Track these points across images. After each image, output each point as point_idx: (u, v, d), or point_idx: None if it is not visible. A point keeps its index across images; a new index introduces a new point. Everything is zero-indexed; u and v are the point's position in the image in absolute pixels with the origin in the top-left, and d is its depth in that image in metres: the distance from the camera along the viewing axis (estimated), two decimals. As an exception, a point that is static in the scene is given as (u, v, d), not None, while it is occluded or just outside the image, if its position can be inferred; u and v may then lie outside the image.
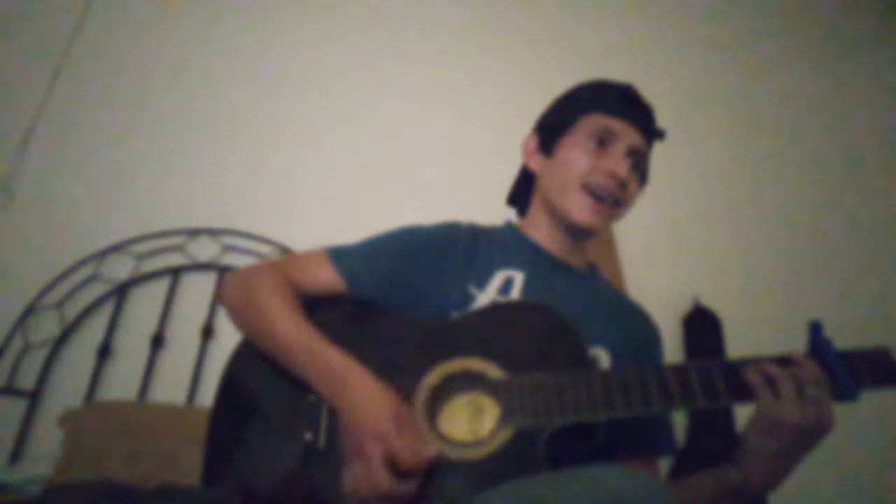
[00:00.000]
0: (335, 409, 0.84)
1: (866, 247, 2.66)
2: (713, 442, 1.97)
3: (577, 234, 1.06)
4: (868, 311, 2.44)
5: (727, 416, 2.04)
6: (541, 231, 1.08)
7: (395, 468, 0.74)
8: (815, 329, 0.80)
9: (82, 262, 1.90)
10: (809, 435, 0.76)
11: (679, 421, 2.09)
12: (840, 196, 2.77)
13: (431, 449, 0.77)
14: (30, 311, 1.81)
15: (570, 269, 1.07)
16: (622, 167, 1.00)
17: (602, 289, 1.11)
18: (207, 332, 1.89)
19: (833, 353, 0.77)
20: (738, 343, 2.24)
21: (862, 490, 2.16)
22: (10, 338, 1.78)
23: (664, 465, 1.82)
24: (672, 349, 2.23)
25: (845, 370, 0.76)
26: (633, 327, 1.06)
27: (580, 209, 1.01)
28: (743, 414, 0.83)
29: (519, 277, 0.99)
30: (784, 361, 0.78)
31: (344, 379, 0.83)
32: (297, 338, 0.89)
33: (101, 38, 2.23)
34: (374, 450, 0.75)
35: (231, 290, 1.01)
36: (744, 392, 0.77)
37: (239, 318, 0.98)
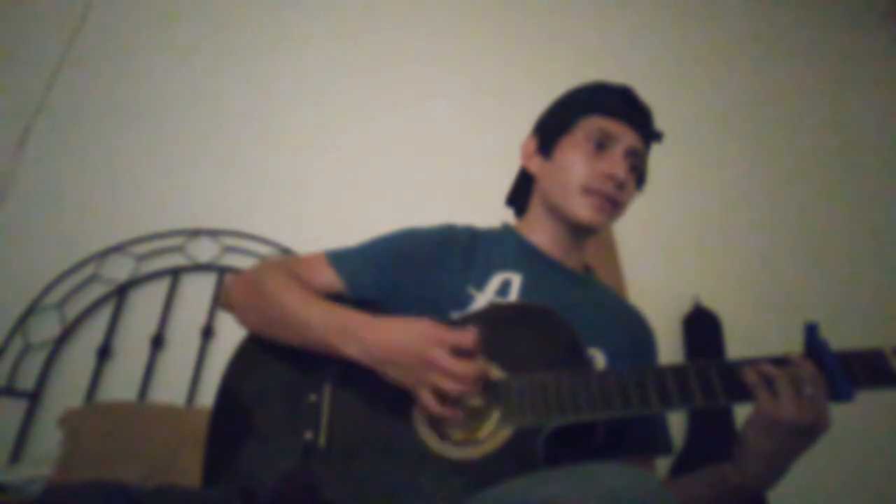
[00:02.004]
0: (370, 359, 0.83)
1: (866, 247, 2.66)
2: (713, 441, 1.97)
3: (578, 233, 1.07)
4: (867, 311, 2.44)
5: (727, 416, 2.04)
6: (539, 232, 1.09)
7: (458, 355, 0.78)
8: (811, 330, 0.80)
9: (82, 263, 1.90)
10: (806, 434, 0.77)
11: (679, 421, 2.10)
12: (840, 196, 2.77)
13: (471, 328, 0.79)
14: (30, 311, 1.82)
15: (567, 271, 1.07)
16: (620, 169, 1.01)
17: (598, 290, 1.11)
18: (207, 332, 1.89)
19: (829, 354, 0.78)
20: (738, 343, 2.25)
21: (862, 489, 2.16)
22: (10, 338, 1.78)
23: (663, 464, 1.82)
24: (672, 349, 2.23)
25: (841, 371, 0.76)
26: (629, 328, 1.07)
27: (583, 208, 1.02)
28: (742, 414, 0.83)
29: (517, 279, 1.00)
30: (781, 362, 0.79)
31: (370, 324, 0.85)
32: (311, 308, 0.89)
33: (100, 38, 2.23)
34: (438, 351, 0.77)
35: (235, 288, 1.01)
36: (742, 392, 0.78)
37: (247, 311, 0.98)
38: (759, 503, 1.85)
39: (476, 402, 0.81)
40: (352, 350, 0.84)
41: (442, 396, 0.78)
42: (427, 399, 0.78)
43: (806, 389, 0.75)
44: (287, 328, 0.91)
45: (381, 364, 0.82)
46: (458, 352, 0.78)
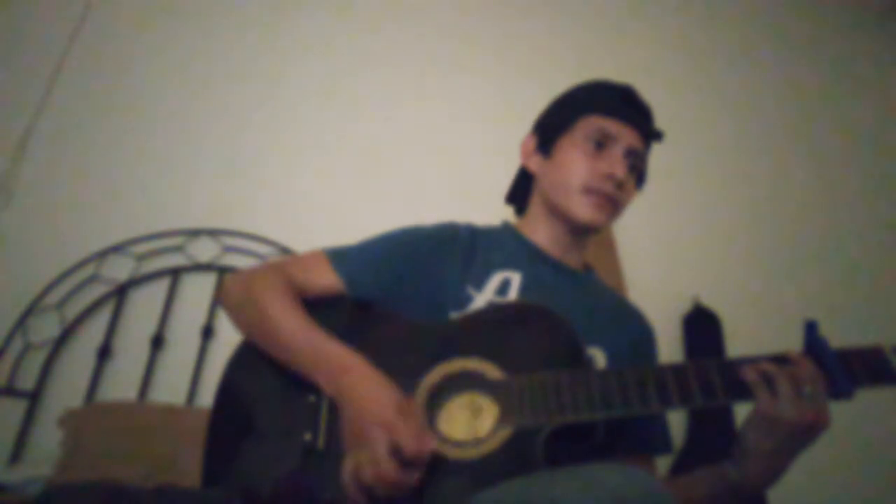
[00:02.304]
0: (338, 402, 0.83)
1: (866, 247, 2.66)
2: (713, 441, 1.97)
3: (578, 232, 1.07)
4: (867, 311, 2.44)
5: (727, 415, 2.04)
6: (539, 231, 1.09)
7: (399, 458, 0.73)
8: (811, 328, 0.80)
9: (82, 263, 1.90)
10: (806, 433, 0.77)
11: (679, 420, 2.10)
12: (840, 196, 2.77)
13: (434, 439, 0.77)
14: (30, 311, 1.82)
15: (566, 269, 1.07)
16: (620, 169, 1.01)
17: (598, 289, 1.11)
18: (207, 332, 1.89)
19: (829, 352, 0.78)
20: (738, 343, 2.25)
21: (862, 489, 2.16)
22: (10, 338, 1.78)
23: (664, 464, 1.82)
24: (672, 349, 2.23)
25: (841, 369, 0.76)
26: (628, 327, 1.07)
27: (582, 207, 1.01)
28: (742, 413, 0.83)
29: (516, 278, 1.00)
30: (781, 360, 0.79)
31: (347, 371, 0.84)
32: (299, 333, 0.90)
33: (100, 39, 2.23)
34: (380, 438, 0.74)
35: (232, 290, 1.01)
36: (741, 391, 0.78)
37: (240, 318, 0.98)
38: (759, 502, 1.85)
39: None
40: (325, 386, 0.85)
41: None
42: (345, 468, 0.77)
43: (805, 388, 0.75)
44: (271, 346, 0.92)
45: (342, 409, 0.82)
46: (402, 454, 0.73)
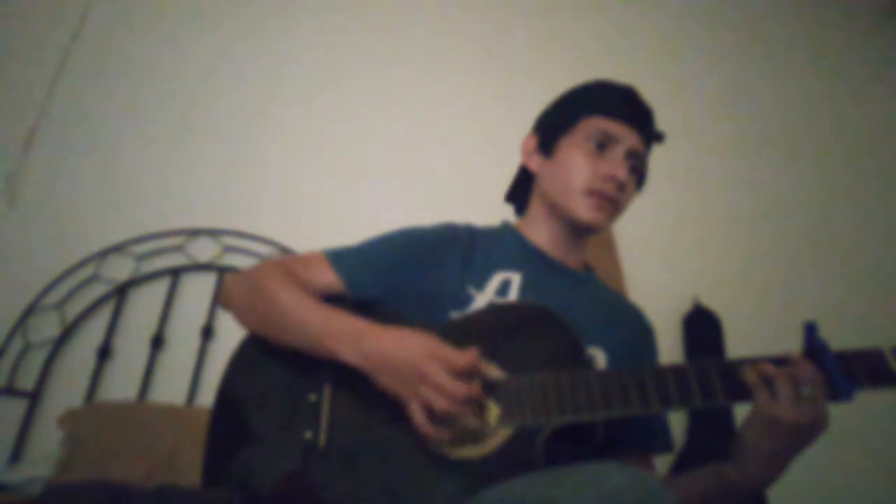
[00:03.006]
0: (367, 367, 0.83)
1: (866, 247, 2.66)
2: (713, 441, 1.98)
3: (579, 232, 1.07)
4: (867, 312, 2.44)
5: (727, 416, 2.04)
6: (539, 231, 1.09)
7: (456, 375, 0.77)
8: (811, 330, 0.80)
9: (82, 263, 1.90)
10: (805, 434, 0.77)
11: (679, 420, 2.10)
12: (840, 196, 2.77)
13: (473, 349, 0.79)
14: (30, 311, 1.82)
15: (566, 270, 1.07)
16: (622, 170, 1.01)
17: (598, 289, 1.11)
18: (207, 332, 1.89)
19: (829, 354, 0.78)
20: (738, 343, 2.25)
21: (862, 489, 2.16)
22: (10, 338, 1.78)
23: (664, 463, 1.82)
24: (672, 349, 2.23)
25: (841, 370, 0.76)
26: (629, 327, 1.07)
27: (583, 208, 1.02)
28: (742, 413, 0.83)
29: (516, 279, 1.00)
30: (780, 362, 0.79)
31: (369, 332, 0.85)
32: (310, 310, 0.90)
33: (101, 41, 2.23)
34: (433, 366, 0.77)
35: (234, 287, 1.01)
36: (741, 392, 0.78)
37: (246, 312, 0.98)
38: (758, 502, 1.85)
39: (469, 422, 0.81)
40: (348, 355, 0.84)
41: (432, 413, 0.78)
42: (416, 413, 0.78)
43: (805, 389, 0.76)
44: (285, 331, 0.92)
45: (377, 371, 0.82)
46: (456, 371, 0.77)
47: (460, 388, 0.75)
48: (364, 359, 0.83)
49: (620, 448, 0.93)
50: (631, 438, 0.95)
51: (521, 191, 1.16)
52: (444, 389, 0.75)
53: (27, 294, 1.83)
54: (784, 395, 0.76)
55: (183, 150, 2.15)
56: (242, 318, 0.99)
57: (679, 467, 1.90)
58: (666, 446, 1.01)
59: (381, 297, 0.98)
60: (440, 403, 0.76)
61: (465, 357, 0.77)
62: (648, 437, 0.99)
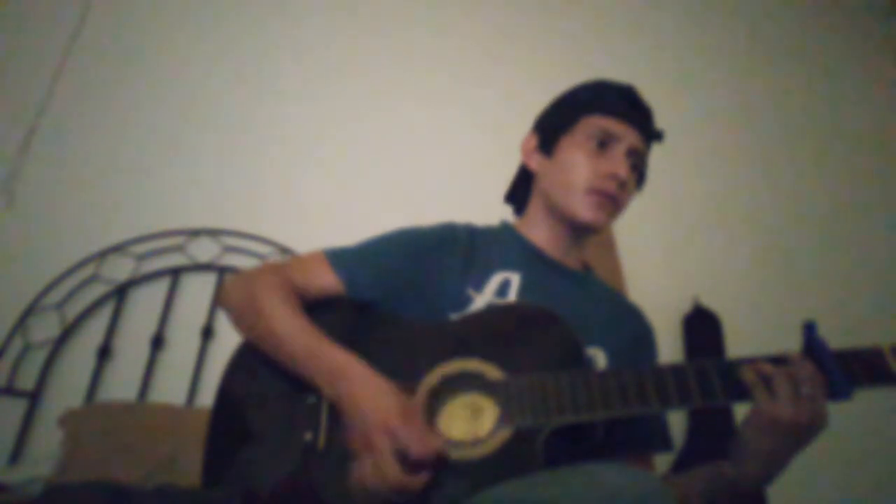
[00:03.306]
0: (339, 407, 0.83)
1: (866, 247, 2.66)
2: (713, 440, 1.98)
3: (579, 232, 1.07)
4: (867, 312, 2.44)
5: (727, 416, 2.04)
6: (539, 230, 1.08)
7: (404, 461, 0.73)
8: (810, 329, 0.80)
9: (82, 263, 1.90)
10: (804, 433, 0.77)
11: (679, 420, 2.10)
12: (840, 196, 2.77)
13: (439, 439, 0.77)
14: (30, 311, 1.82)
15: (565, 269, 1.07)
16: (623, 169, 1.01)
17: (597, 288, 1.11)
18: (207, 332, 1.89)
19: (827, 353, 0.78)
20: (738, 343, 2.25)
21: (862, 489, 2.16)
22: (10, 338, 1.78)
23: (664, 463, 1.82)
24: (672, 349, 2.23)
25: (839, 369, 0.76)
26: (628, 326, 1.07)
27: (585, 208, 1.02)
28: (742, 413, 0.84)
29: (515, 279, 1.00)
30: (779, 361, 0.79)
31: (347, 374, 0.83)
32: (298, 337, 0.89)
33: (101, 40, 2.23)
34: (384, 442, 0.74)
35: (232, 292, 1.01)
36: (740, 391, 0.78)
37: (240, 320, 0.98)
38: (757, 499, 1.85)
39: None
40: (325, 391, 0.85)
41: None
42: (361, 466, 0.76)
43: (804, 388, 0.76)
44: (273, 351, 0.92)
45: (345, 414, 0.82)
46: (407, 457, 0.73)
47: (396, 479, 0.72)
48: (338, 399, 0.83)
49: (620, 448, 0.93)
50: (631, 438, 0.95)
51: (521, 190, 1.16)
52: (382, 471, 0.73)
53: (27, 294, 1.83)
54: (783, 394, 0.76)
55: (183, 150, 2.15)
56: (237, 326, 0.99)
57: (679, 467, 1.90)
58: (666, 445, 1.01)
59: (380, 297, 0.98)
60: (370, 480, 0.74)
61: (424, 447, 0.74)
62: (648, 437, 0.99)
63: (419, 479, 0.73)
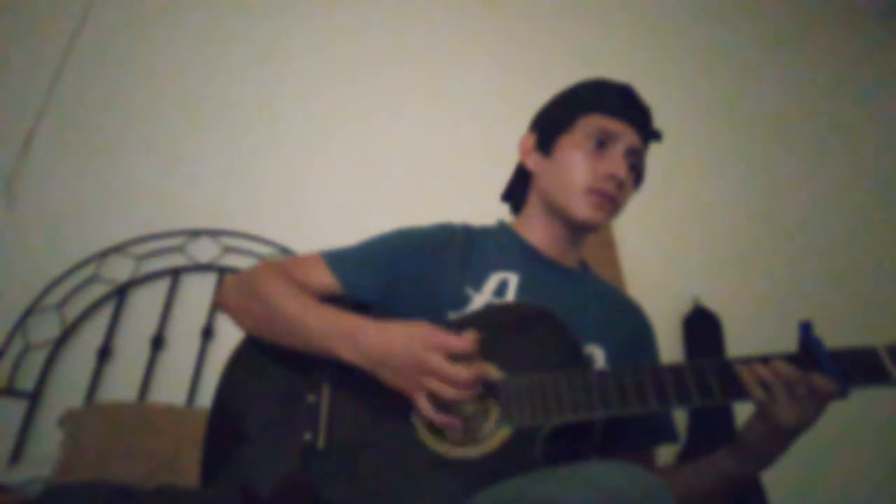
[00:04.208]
0: (367, 366, 0.83)
1: (865, 246, 2.66)
2: (713, 440, 1.97)
3: (577, 231, 1.07)
4: (867, 312, 2.44)
5: (727, 414, 2.04)
6: (536, 230, 1.08)
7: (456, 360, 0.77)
8: (806, 328, 0.81)
9: (82, 264, 1.90)
10: (803, 429, 0.79)
11: (679, 420, 2.09)
12: (839, 196, 2.77)
13: (470, 332, 0.79)
14: (30, 311, 1.82)
15: (563, 268, 1.07)
16: (621, 168, 1.01)
17: (595, 286, 1.11)
18: (207, 333, 1.89)
19: (823, 352, 0.78)
20: (738, 343, 2.25)
21: (862, 489, 2.16)
22: (10, 338, 1.78)
23: (668, 455, 1.82)
24: (672, 349, 2.23)
25: (835, 368, 0.77)
26: (626, 322, 1.07)
27: (584, 207, 1.01)
28: (743, 412, 0.84)
29: (513, 279, 1.00)
30: (765, 360, 0.80)
31: (363, 329, 0.84)
32: (307, 312, 0.89)
33: (102, 40, 2.23)
34: (434, 356, 0.77)
35: (231, 289, 1.01)
36: (738, 390, 0.79)
37: (242, 313, 0.98)
38: (758, 501, 1.85)
39: (471, 407, 0.81)
40: (348, 353, 0.84)
41: (438, 402, 0.78)
42: (424, 405, 0.78)
43: (799, 388, 0.76)
44: (284, 332, 0.92)
45: (377, 367, 0.82)
46: (457, 356, 0.77)
47: (463, 374, 0.76)
48: (363, 356, 0.83)
49: (623, 442, 0.94)
50: (634, 432, 0.96)
51: (518, 189, 1.16)
52: (450, 378, 0.76)
53: (27, 294, 1.83)
54: (780, 394, 0.77)
55: (183, 150, 2.15)
56: (240, 321, 0.98)
57: (681, 463, 1.89)
58: (671, 437, 1.01)
59: (378, 298, 0.98)
60: (448, 392, 0.76)
61: (463, 341, 0.78)
62: (651, 431, 0.99)
63: (476, 369, 0.77)
